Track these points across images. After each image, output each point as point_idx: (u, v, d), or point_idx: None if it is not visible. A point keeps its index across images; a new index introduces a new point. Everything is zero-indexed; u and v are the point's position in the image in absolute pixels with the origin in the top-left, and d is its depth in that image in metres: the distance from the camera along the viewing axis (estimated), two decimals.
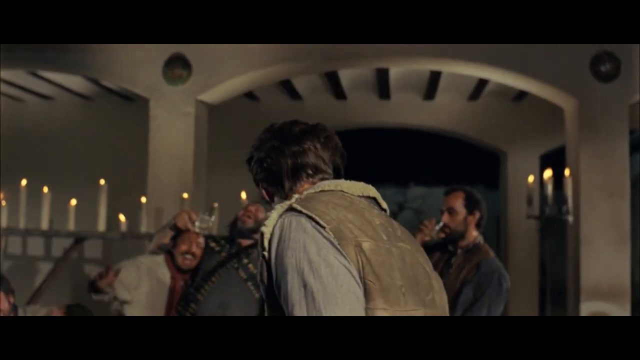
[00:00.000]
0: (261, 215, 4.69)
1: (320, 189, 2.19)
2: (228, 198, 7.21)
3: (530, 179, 6.05)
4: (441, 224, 4.25)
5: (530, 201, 5.99)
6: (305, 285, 1.95)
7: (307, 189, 2.22)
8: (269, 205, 2.34)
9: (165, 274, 4.88)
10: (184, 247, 4.80)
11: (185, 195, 6.69)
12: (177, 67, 6.95)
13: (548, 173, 5.77)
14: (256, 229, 4.66)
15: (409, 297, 2.07)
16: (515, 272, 9.16)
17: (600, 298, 6.66)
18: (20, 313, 4.02)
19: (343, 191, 2.20)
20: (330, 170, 2.29)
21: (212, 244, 4.80)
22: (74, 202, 6.69)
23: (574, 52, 6.68)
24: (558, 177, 5.84)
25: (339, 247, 2.00)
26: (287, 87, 8.99)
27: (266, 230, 2.07)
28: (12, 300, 3.91)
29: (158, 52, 6.90)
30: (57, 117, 9.78)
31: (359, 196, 2.22)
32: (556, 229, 6.59)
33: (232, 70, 7.05)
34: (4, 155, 9.09)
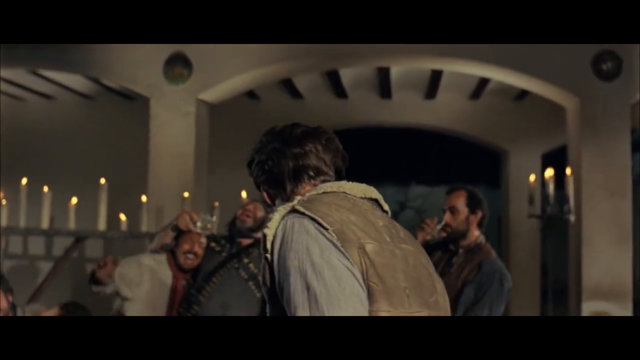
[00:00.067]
0: (260, 213, 4.69)
1: (322, 190, 2.18)
2: (229, 197, 7.21)
3: (532, 178, 6.04)
4: (443, 223, 4.23)
5: (531, 200, 5.98)
6: (308, 288, 1.94)
7: (308, 191, 2.21)
8: (270, 208, 2.32)
9: (167, 274, 4.87)
10: (186, 247, 4.82)
11: (186, 195, 6.68)
12: (177, 66, 6.94)
13: (549, 172, 5.76)
14: (255, 228, 4.66)
15: (413, 299, 2.05)
16: (516, 271, 9.14)
17: (601, 298, 6.65)
18: (19, 312, 4.00)
19: (345, 193, 2.18)
20: (332, 173, 2.27)
21: (213, 244, 4.80)
22: (74, 201, 6.68)
23: (576, 51, 6.66)
24: (560, 176, 5.83)
25: (342, 249, 1.99)
26: (288, 86, 8.98)
27: (269, 232, 2.06)
28: (10, 299, 3.90)
29: (159, 51, 6.90)
30: (58, 116, 9.77)
31: (361, 198, 2.21)
32: (558, 228, 6.58)
33: (233, 69, 7.04)
34: (5, 154, 9.08)
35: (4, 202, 6.60)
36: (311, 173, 2.24)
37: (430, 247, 4.21)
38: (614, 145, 6.76)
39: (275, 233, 2.05)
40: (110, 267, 4.64)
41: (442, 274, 3.89)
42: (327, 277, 1.94)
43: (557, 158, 8.33)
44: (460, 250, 4.19)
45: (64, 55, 6.95)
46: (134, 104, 9.00)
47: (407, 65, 7.90)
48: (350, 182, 2.24)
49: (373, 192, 2.26)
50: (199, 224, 4.76)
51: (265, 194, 2.32)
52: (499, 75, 7.35)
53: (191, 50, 6.89)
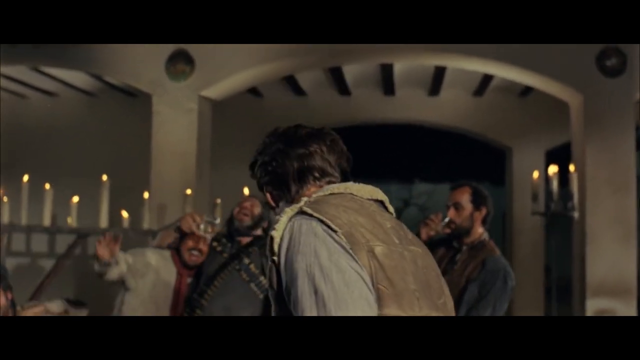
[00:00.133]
0: (257, 210, 4.65)
1: (329, 192, 2.14)
2: (231, 194, 7.16)
3: (536, 175, 6.02)
4: (447, 219, 4.21)
5: (535, 197, 5.96)
6: (316, 292, 1.90)
7: (314, 192, 2.17)
8: (273, 210, 2.29)
9: (171, 271, 4.88)
10: (190, 244, 4.85)
11: (188, 192, 6.66)
12: (180, 63, 6.92)
13: (553, 169, 5.74)
14: (253, 225, 4.62)
15: (423, 302, 2.02)
16: (520, 268, 9.12)
17: (606, 295, 6.62)
18: (19, 309, 3.98)
19: (352, 194, 2.15)
20: (337, 174, 2.24)
21: (214, 244, 4.79)
22: (76, 198, 6.66)
23: (580, 48, 6.62)
24: (564, 173, 5.80)
25: (351, 252, 1.95)
26: (290, 83, 8.96)
27: (276, 234, 2.02)
28: (10, 296, 3.88)
29: (161, 48, 6.88)
30: (60, 113, 9.76)
31: (367, 199, 2.18)
32: (562, 225, 6.55)
33: (236, 66, 7.02)
34: (7, 151, 9.07)
35: (5, 199, 6.59)
36: (316, 174, 2.20)
37: (433, 244, 4.18)
38: (618, 142, 6.73)
39: (282, 235, 2.01)
40: (109, 240, 4.60)
41: (445, 271, 3.88)
42: (336, 280, 1.90)
43: (561, 155, 8.30)
44: (464, 248, 4.16)
45: (66, 52, 6.94)
46: (136, 101, 8.99)
47: (411, 61, 7.88)
48: (357, 184, 2.20)
49: (379, 193, 2.23)
50: (202, 226, 4.76)
51: (268, 195, 2.27)
52: (502, 71, 7.33)
53: (193, 47, 6.87)
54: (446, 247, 4.25)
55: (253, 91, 9.21)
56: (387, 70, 8.47)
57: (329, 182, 2.21)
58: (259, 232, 4.68)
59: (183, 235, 4.88)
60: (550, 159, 9.14)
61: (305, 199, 2.11)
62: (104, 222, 6.48)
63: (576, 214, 5.93)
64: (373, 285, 1.94)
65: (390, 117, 10.27)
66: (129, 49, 6.94)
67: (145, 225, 6.73)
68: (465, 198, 4.18)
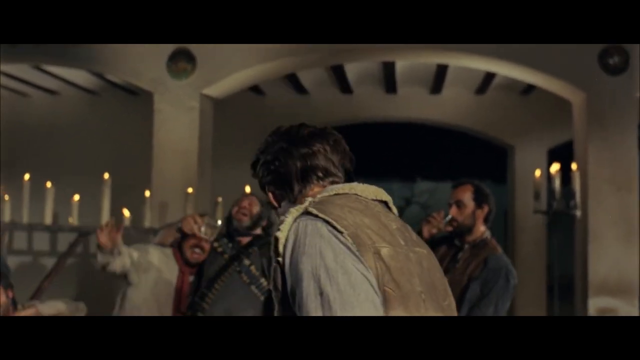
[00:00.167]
0: (255, 209, 4.61)
1: (334, 192, 2.11)
2: (233, 193, 7.11)
3: (537, 173, 6.00)
4: (449, 217, 4.19)
5: (537, 196, 5.94)
6: (321, 293, 1.88)
7: (317, 192, 2.15)
8: (275, 210, 2.27)
9: (172, 270, 4.87)
10: (192, 241, 4.84)
11: (190, 190, 6.66)
12: (181, 61, 6.91)
13: (555, 167, 5.72)
14: (252, 225, 4.59)
15: (429, 304, 2.00)
16: (522, 267, 9.12)
17: (608, 294, 6.61)
18: (20, 308, 3.97)
19: (357, 194, 2.12)
20: (340, 174, 2.21)
21: (215, 244, 4.77)
22: (77, 197, 6.66)
23: (582, 46, 6.60)
24: (566, 172, 5.79)
25: (357, 253, 1.93)
26: (292, 81, 8.94)
27: (281, 235, 1.99)
28: (11, 294, 3.87)
29: (162, 46, 6.87)
30: (62, 111, 9.76)
31: (372, 200, 2.15)
32: (564, 224, 6.53)
33: (237, 64, 7.01)
34: (8, 149, 9.07)
35: (6, 197, 6.58)
36: (319, 174, 2.18)
37: (435, 242, 4.18)
38: (620, 140, 6.72)
39: (287, 236, 1.99)
40: (110, 227, 4.57)
41: (447, 270, 3.87)
42: (341, 282, 1.88)
43: (563, 153, 8.28)
44: (466, 246, 4.15)
45: (68, 50, 6.93)
46: (138, 100, 8.98)
47: (413, 59, 7.86)
48: (361, 184, 2.17)
49: (383, 194, 2.20)
50: (203, 229, 4.75)
51: (270, 195, 2.25)
52: (504, 69, 7.31)
53: (195, 45, 6.86)
54: (448, 245, 4.24)
55: (255, 89, 9.20)
56: (389, 69, 8.46)
57: (332, 182, 2.19)
58: (258, 231, 4.65)
59: (184, 235, 4.88)
60: (552, 157, 9.13)
61: (309, 199, 2.08)
62: (105, 220, 6.47)
63: (578, 213, 5.91)
64: (379, 287, 1.92)
65: (392, 116, 10.25)
66: (131, 47, 6.93)
67: (147, 223, 6.73)
68: (467, 196, 4.17)
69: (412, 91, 9.71)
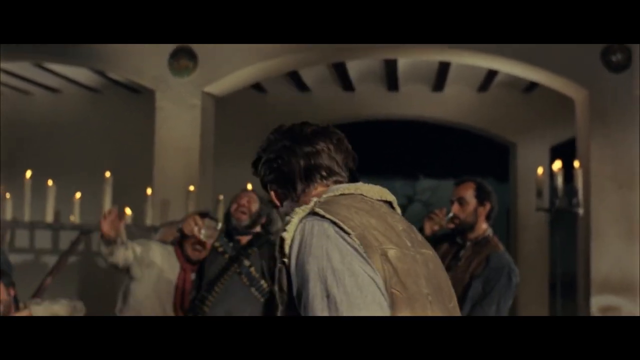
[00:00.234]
0: (255, 206, 4.56)
1: (340, 192, 2.07)
2: (234, 190, 7.11)
3: (540, 170, 5.99)
4: (451, 214, 4.18)
5: (539, 193, 5.93)
6: (328, 295, 1.84)
7: (321, 192, 2.12)
8: (276, 208, 2.24)
9: (174, 267, 4.86)
10: (193, 239, 4.81)
11: (191, 188, 6.65)
12: (183, 59, 6.90)
13: (557, 164, 5.71)
14: (251, 224, 4.55)
15: (436, 306, 1.98)
16: (524, 264, 9.11)
17: (610, 291, 6.59)
18: (21, 307, 3.97)
19: (363, 195, 2.09)
20: (344, 173, 2.18)
21: (216, 244, 4.74)
22: (78, 195, 6.66)
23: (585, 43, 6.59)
24: (568, 169, 5.78)
25: (364, 255, 1.90)
26: (294, 78, 8.93)
27: (287, 235, 1.95)
28: (12, 293, 3.87)
29: (164, 44, 6.85)
30: (63, 109, 9.76)
31: (377, 200, 2.12)
32: (566, 221, 6.53)
33: (239, 62, 7.00)
34: (10, 147, 9.07)
35: (8, 195, 6.58)
36: (323, 173, 2.14)
37: (436, 239, 4.16)
38: (623, 137, 6.70)
39: (293, 236, 1.95)
40: (114, 216, 4.54)
41: (449, 267, 3.86)
42: (348, 284, 1.85)
43: (565, 151, 8.27)
44: (468, 244, 4.14)
45: (69, 48, 6.93)
46: (139, 97, 8.98)
47: (415, 57, 7.85)
48: (366, 184, 2.14)
49: (388, 194, 2.17)
50: (203, 231, 4.72)
51: (273, 194, 2.21)
52: (507, 67, 7.30)
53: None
54: (450, 243, 4.23)
55: (256, 87, 9.20)
56: (391, 66, 8.44)
57: (336, 182, 2.16)
58: (257, 229, 4.61)
59: (184, 236, 4.88)
60: (554, 154, 9.11)
61: (315, 199, 2.05)
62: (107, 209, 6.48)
63: (581, 210, 5.90)
64: (386, 289, 1.89)
65: (394, 113, 10.24)
66: (132, 45, 6.91)
67: (148, 221, 6.73)
68: (469, 193, 4.15)
69: (414, 89, 9.70)
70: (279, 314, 2.01)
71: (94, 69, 7.90)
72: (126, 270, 4.83)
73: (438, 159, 14.74)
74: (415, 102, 9.96)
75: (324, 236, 1.91)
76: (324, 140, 2.16)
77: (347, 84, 9.38)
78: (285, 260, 1.95)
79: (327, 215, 1.94)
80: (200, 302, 4.49)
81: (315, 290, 1.86)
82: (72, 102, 9.74)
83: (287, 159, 2.14)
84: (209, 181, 7.26)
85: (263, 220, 4.61)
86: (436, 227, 4.25)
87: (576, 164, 5.94)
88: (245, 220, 4.51)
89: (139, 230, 6.63)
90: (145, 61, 7.04)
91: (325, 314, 1.84)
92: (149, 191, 6.89)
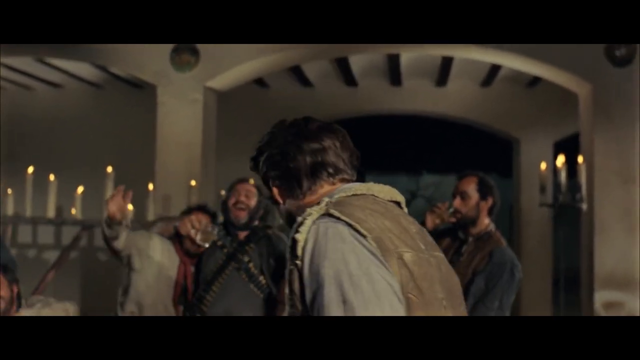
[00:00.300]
0: (253, 201, 4.49)
1: (352, 192, 2.01)
2: None
3: (543, 166, 5.97)
4: (453, 208, 4.16)
5: (543, 189, 5.91)
6: (344, 301, 1.79)
7: (328, 190, 2.06)
8: (277, 206, 2.18)
9: (174, 261, 4.85)
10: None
11: (193, 183, 6.64)
12: (184, 53, 6.88)
13: (561, 160, 5.69)
14: (250, 220, 4.50)
15: (450, 311, 1.95)
16: (528, 260, 9.09)
17: (614, 287, 6.57)
18: (24, 303, 3.96)
19: (374, 195, 2.03)
20: (350, 171, 2.12)
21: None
22: (80, 189, 6.65)
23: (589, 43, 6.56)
24: (572, 164, 5.75)
25: (381, 258, 1.85)
26: (297, 73, 8.91)
27: (300, 237, 1.89)
28: (15, 289, 3.86)
29: None
30: (65, 104, 9.75)
31: (388, 201, 2.07)
32: (570, 217, 6.51)
33: (241, 56, 6.97)
34: (12, 142, 9.07)
35: (9, 191, 6.58)
36: (330, 170, 2.08)
37: (438, 234, 4.14)
38: (627, 132, 6.68)
39: (306, 238, 1.89)
40: (119, 195, 4.46)
41: (451, 262, 3.82)
42: (366, 290, 1.79)
43: (569, 146, 8.24)
44: (470, 239, 4.12)
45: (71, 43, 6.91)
46: (141, 92, 8.96)
47: (418, 52, 7.82)
48: (377, 184, 2.08)
49: (397, 194, 2.12)
50: (199, 236, 4.69)
51: (275, 190, 2.14)
52: (510, 62, 7.27)
53: None
54: (452, 238, 4.21)
55: (259, 82, 9.18)
56: (393, 61, 8.42)
57: (342, 180, 2.10)
58: (257, 223, 4.57)
59: (180, 236, 4.85)
60: (558, 149, 9.08)
61: (326, 199, 1.98)
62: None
63: (584, 206, 5.88)
64: (403, 293, 1.85)
65: (397, 108, 10.22)
66: None
67: (150, 216, 6.72)
68: (471, 187, 4.13)
69: (417, 84, 9.68)
70: (286, 314, 1.96)
71: (96, 64, 7.88)
72: (126, 262, 4.80)
73: (441, 154, 14.72)
74: (418, 97, 9.93)
75: (340, 239, 1.85)
76: (330, 137, 2.10)
77: (349, 79, 9.36)
78: (298, 262, 1.89)
79: (343, 217, 1.89)
80: (198, 301, 4.46)
81: (330, 295, 1.81)
82: (74, 97, 9.73)
83: (292, 155, 2.08)
84: (211, 176, 7.25)
85: (261, 213, 4.56)
86: (438, 221, 4.23)
87: (580, 159, 5.92)
88: (243, 217, 4.45)
89: (141, 226, 6.63)
90: (147, 56, 7.03)
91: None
92: (150, 186, 6.88)
